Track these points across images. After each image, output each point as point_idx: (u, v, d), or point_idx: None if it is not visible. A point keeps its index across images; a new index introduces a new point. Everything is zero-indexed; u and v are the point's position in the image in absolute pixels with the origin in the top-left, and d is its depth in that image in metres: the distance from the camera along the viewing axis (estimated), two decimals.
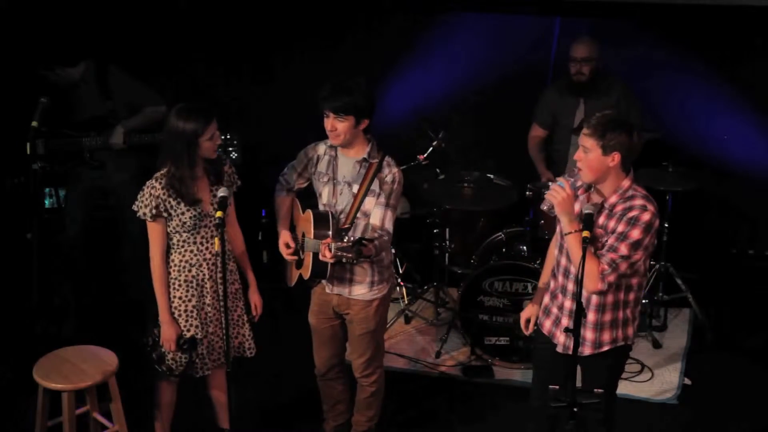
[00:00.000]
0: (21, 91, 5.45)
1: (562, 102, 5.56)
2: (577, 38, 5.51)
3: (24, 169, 5.06)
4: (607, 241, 3.54)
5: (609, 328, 3.70)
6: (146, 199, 3.85)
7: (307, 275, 4.06)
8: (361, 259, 3.78)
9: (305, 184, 4.18)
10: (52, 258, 5.47)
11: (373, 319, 4.15)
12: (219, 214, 3.70)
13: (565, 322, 3.73)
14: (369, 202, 3.97)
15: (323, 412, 4.54)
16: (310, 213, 4.03)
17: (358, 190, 3.97)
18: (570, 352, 3.69)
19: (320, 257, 3.80)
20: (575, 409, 3.46)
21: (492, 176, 5.75)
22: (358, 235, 3.96)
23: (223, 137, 5.88)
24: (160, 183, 3.84)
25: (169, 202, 3.85)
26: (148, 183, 3.87)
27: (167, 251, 3.95)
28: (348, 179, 4.01)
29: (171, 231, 3.92)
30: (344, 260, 3.75)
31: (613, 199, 3.57)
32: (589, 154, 3.52)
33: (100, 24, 6.22)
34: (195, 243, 3.93)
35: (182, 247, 3.93)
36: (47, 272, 5.34)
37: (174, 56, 6.48)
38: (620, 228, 3.50)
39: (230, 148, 5.96)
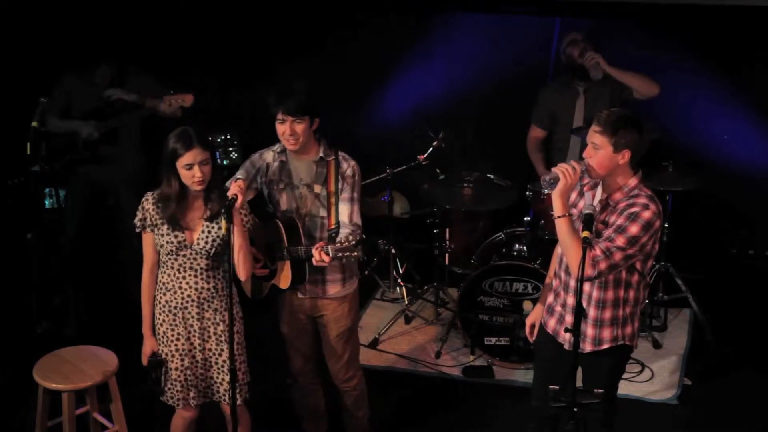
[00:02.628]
0: (21, 91, 5.46)
1: (561, 98, 5.56)
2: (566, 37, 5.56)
3: (24, 169, 5.07)
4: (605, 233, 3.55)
5: (610, 326, 3.70)
6: (138, 210, 3.81)
7: (286, 285, 3.98)
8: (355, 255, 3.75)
9: (253, 195, 4.06)
10: (52, 258, 5.47)
11: (349, 316, 4.12)
12: (231, 194, 3.60)
13: (569, 319, 3.73)
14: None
15: (302, 424, 4.49)
16: (278, 223, 3.95)
17: (328, 190, 3.92)
18: (569, 347, 3.70)
19: (315, 261, 3.74)
20: (575, 409, 3.46)
21: (492, 176, 5.75)
22: (323, 235, 3.93)
23: (222, 137, 5.93)
24: (153, 197, 3.79)
25: (155, 219, 3.78)
26: (146, 194, 3.82)
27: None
28: (307, 181, 3.95)
29: (157, 247, 3.85)
30: (344, 260, 3.74)
31: (617, 195, 3.58)
32: (599, 151, 3.51)
33: (107, 26, 6.23)
34: (173, 268, 3.80)
35: (162, 268, 3.85)
36: (47, 272, 5.35)
37: (173, 56, 6.48)
38: (620, 221, 3.50)
39: (230, 148, 5.98)
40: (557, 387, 3.51)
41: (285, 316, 4.19)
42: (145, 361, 3.92)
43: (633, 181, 3.57)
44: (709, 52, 5.96)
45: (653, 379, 5.14)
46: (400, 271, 6.05)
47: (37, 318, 5.10)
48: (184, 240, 3.77)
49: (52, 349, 4.18)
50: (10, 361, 5.02)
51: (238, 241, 3.69)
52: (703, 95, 6.10)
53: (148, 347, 3.91)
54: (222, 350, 3.87)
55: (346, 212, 3.91)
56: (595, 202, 3.63)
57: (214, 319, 3.86)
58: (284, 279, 3.99)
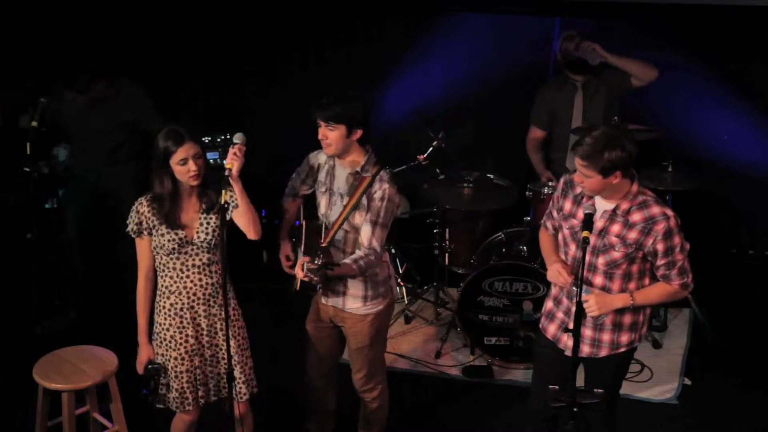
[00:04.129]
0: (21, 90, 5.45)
1: (559, 95, 5.57)
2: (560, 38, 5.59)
3: (24, 169, 5.06)
4: (628, 253, 3.57)
5: (628, 331, 3.72)
6: (132, 215, 3.80)
7: (297, 286, 4.00)
8: (340, 278, 3.76)
9: (310, 191, 4.12)
10: (52, 258, 5.46)
11: (368, 335, 4.09)
12: (228, 165, 3.63)
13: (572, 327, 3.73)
14: (359, 217, 3.89)
15: (308, 417, 4.48)
16: (305, 223, 3.99)
17: (346, 204, 3.90)
18: (583, 355, 3.73)
19: (296, 274, 3.74)
20: (575, 409, 3.46)
21: (492, 176, 5.75)
22: (348, 248, 3.92)
23: (222, 137, 5.91)
24: (147, 200, 3.78)
25: (152, 221, 3.76)
26: (138, 199, 3.81)
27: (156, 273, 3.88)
28: (341, 191, 3.95)
29: (154, 251, 3.83)
30: (313, 282, 3.72)
31: (624, 205, 3.58)
32: (589, 179, 3.52)
33: (98, 26, 6.22)
34: (175, 269, 3.80)
35: (163, 271, 3.84)
36: (47, 272, 5.35)
37: (174, 58, 6.48)
38: (660, 247, 3.55)
39: (231, 148, 5.96)
40: (557, 387, 3.51)
41: (311, 315, 4.24)
42: (141, 369, 3.91)
43: (634, 187, 3.58)
44: (709, 51, 5.96)
45: (653, 379, 5.14)
46: (400, 271, 6.05)
47: (37, 318, 5.10)
48: (185, 237, 3.77)
49: (52, 349, 4.18)
50: (10, 361, 5.02)
51: (242, 204, 3.69)
52: (702, 95, 6.10)
53: (144, 355, 3.90)
54: (229, 345, 3.84)
55: (366, 235, 3.87)
56: (598, 212, 3.63)
57: (220, 314, 3.86)
58: (297, 281, 4.01)
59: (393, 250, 5.88)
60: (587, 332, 3.73)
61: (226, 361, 3.87)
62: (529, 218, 5.42)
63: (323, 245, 3.90)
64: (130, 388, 4.31)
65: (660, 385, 5.09)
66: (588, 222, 3.51)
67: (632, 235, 3.56)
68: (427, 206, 5.77)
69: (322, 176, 4.03)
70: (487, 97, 6.38)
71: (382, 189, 3.86)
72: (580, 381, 3.75)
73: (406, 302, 5.81)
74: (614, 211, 3.59)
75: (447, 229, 5.62)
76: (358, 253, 3.86)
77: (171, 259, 3.79)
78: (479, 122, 6.50)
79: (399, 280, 5.95)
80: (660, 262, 3.59)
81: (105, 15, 6.22)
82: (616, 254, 3.59)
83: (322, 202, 4.02)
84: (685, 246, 3.60)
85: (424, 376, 5.24)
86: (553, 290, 3.84)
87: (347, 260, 3.82)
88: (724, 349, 5.43)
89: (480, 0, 6.27)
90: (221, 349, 3.90)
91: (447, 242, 5.62)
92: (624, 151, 3.45)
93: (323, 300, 4.10)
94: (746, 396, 5.00)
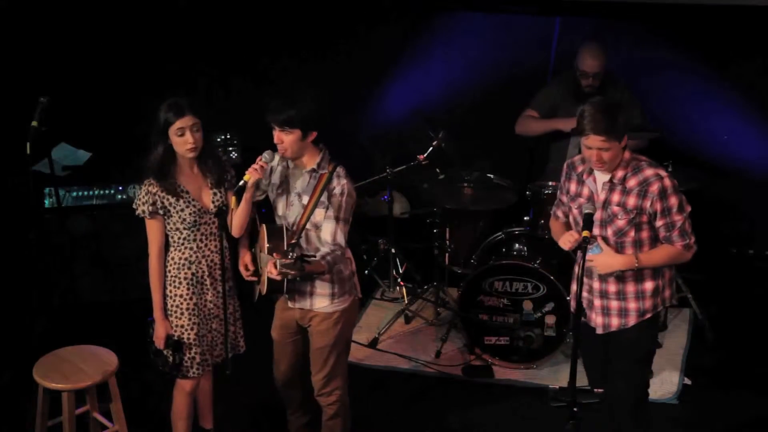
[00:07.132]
0: (21, 91, 5.46)
1: (564, 102, 5.54)
2: (588, 49, 5.34)
3: (24, 169, 5.05)
4: (631, 219, 3.65)
5: (651, 297, 3.80)
6: (143, 197, 3.85)
7: (263, 291, 3.97)
8: (312, 274, 3.78)
9: (263, 197, 4.05)
10: (51, 258, 5.45)
11: (333, 332, 4.03)
12: (247, 177, 3.76)
13: (597, 303, 3.84)
14: (319, 214, 3.87)
15: (287, 415, 4.45)
16: (264, 227, 3.96)
17: (308, 202, 3.88)
18: (610, 329, 3.84)
19: (267, 274, 3.72)
20: (575, 410, 3.48)
21: (492, 176, 5.74)
22: (311, 246, 3.89)
23: (222, 137, 5.92)
24: (155, 178, 3.84)
25: (168, 199, 3.84)
26: (145, 181, 3.86)
27: (165, 249, 3.96)
28: (299, 191, 3.92)
29: (170, 228, 3.92)
30: (289, 277, 3.71)
31: (619, 173, 3.67)
32: (609, 152, 3.60)
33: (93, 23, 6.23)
34: (195, 240, 3.93)
35: (182, 244, 3.93)
36: (47, 272, 5.34)
37: (173, 55, 6.49)
38: (659, 206, 3.63)
39: (230, 148, 5.98)
40: (557, 387, 3.54)
41: (276, 322, 4.20)
42: (161, 344, 3.97)
43: (626, 154, 3.69)
44: (708, 51, 5.96)
45: (653, 379, 5.13)
46: (400, 271, 6.04)
47: (37, 317, 5.10)
48: (201, 207, 3.91)
49: (52, 349, 4.19)
50: (10, 361, 5.02)
51: (244, 209, 3.88)
52: (702, 95, 6.10)
53: (163, 330, 3.97)
54: (230, 304, 4.07)
55: (329, 231, 3.85)
56: (599, 185, 3.72)
57: (221, 277, 4.00)
58: (263, 284, 3.99)
59: (393, 250, 5.89)
60: (613, 304, 3.82)
61: (220, 319, 4.05)
62: (529, 218, 5.41)
63: (292, 242, 3.88)
64: (131, 388, 4.31)
65: (660, 385, 5.08)
66: (588, 222, 3.55)
67: (631, 201, 3.65)
68: (427, 206, 5.77)
69: (276, 178, 3.98)
70: (487, 97, 6.38)
71: (340, 184, 3.86)
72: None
73: (406, 302, 5.81)
74: (611, 180, 3.68)
75: (447, 229, 5.61)
76: (325, 249, 3.84)
77: (192, 231, 3.91)
78: (480, 122, 6.49)
79: (399, 280, 5.96)
80: (659, 223, 3.67)
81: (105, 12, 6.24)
82: (620, 222, 3.68)
83: (280, 204, 3.98)
84: (686, 207, 3.68)
85: (424, 376, 5.24)
86: (576, 269, 3.86)
87: (318, 256, 3.80)
88: (724, 349, 5.43)
89: (480, 0, 6.27)
90: (216, 306, 4.05)
91: (447, 242, 5.62)
92: (621, 111, 3.62)
93: (290, 304, 4.05)
94: (746, 396, 5.00)
